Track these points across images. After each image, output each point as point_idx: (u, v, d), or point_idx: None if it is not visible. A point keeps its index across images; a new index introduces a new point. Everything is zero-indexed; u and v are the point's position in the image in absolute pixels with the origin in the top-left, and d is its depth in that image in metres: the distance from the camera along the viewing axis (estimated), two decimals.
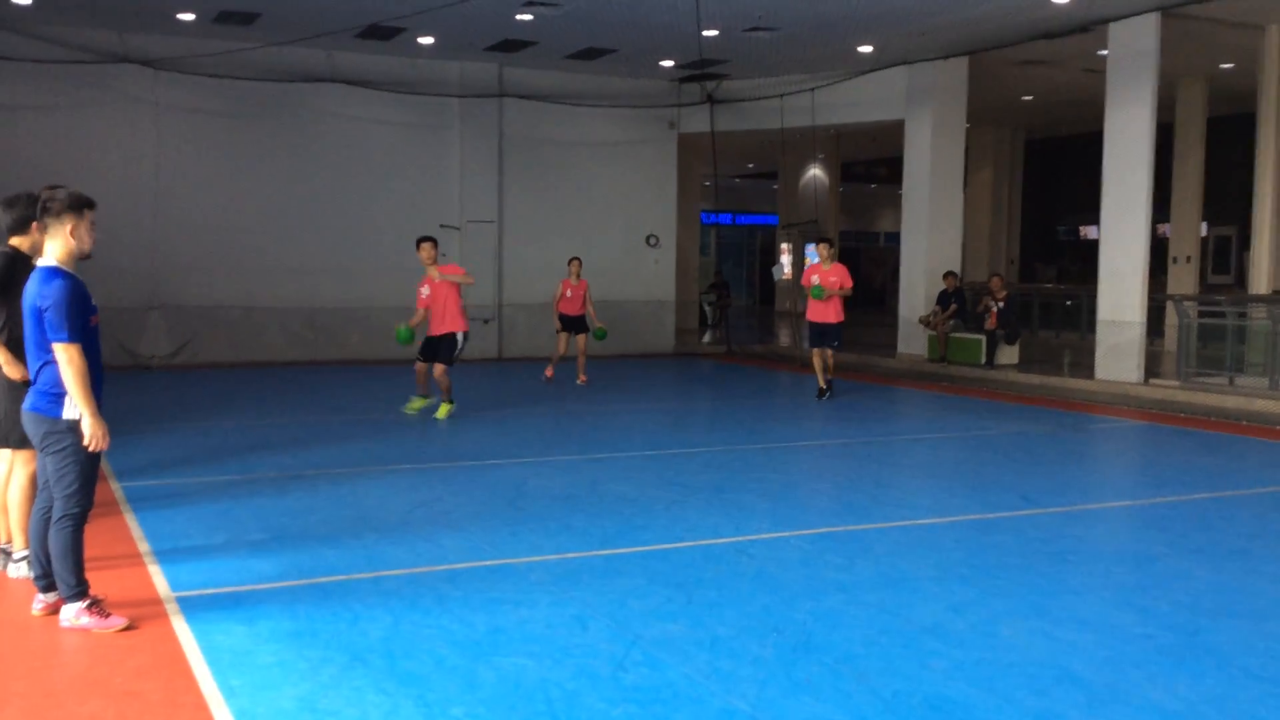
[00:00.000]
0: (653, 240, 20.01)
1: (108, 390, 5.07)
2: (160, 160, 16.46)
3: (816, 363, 13.27)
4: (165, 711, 3.92)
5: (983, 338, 16.82)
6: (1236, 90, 18.68)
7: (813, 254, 13.70)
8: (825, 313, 13.05)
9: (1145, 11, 14.17)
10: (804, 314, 13.67)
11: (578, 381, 14.43)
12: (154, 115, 16.37)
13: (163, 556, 5.94)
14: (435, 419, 11.22)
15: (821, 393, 13.22)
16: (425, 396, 11.58)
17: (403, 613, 5.02)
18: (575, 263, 14.62)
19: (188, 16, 14.89)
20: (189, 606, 5.09)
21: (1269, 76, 15.20)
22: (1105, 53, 15.11)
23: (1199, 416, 12.43)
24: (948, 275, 17.36)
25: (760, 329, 26.75)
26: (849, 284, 13.14)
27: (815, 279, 13.05)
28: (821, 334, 13.13)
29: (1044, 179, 28.65)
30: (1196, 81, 18.82)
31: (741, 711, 3.94)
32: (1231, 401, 13.17)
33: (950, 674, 4.32)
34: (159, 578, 5.55)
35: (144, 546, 6.15)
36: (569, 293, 14.54)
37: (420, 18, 14.80)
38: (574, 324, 14.62)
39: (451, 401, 11.39)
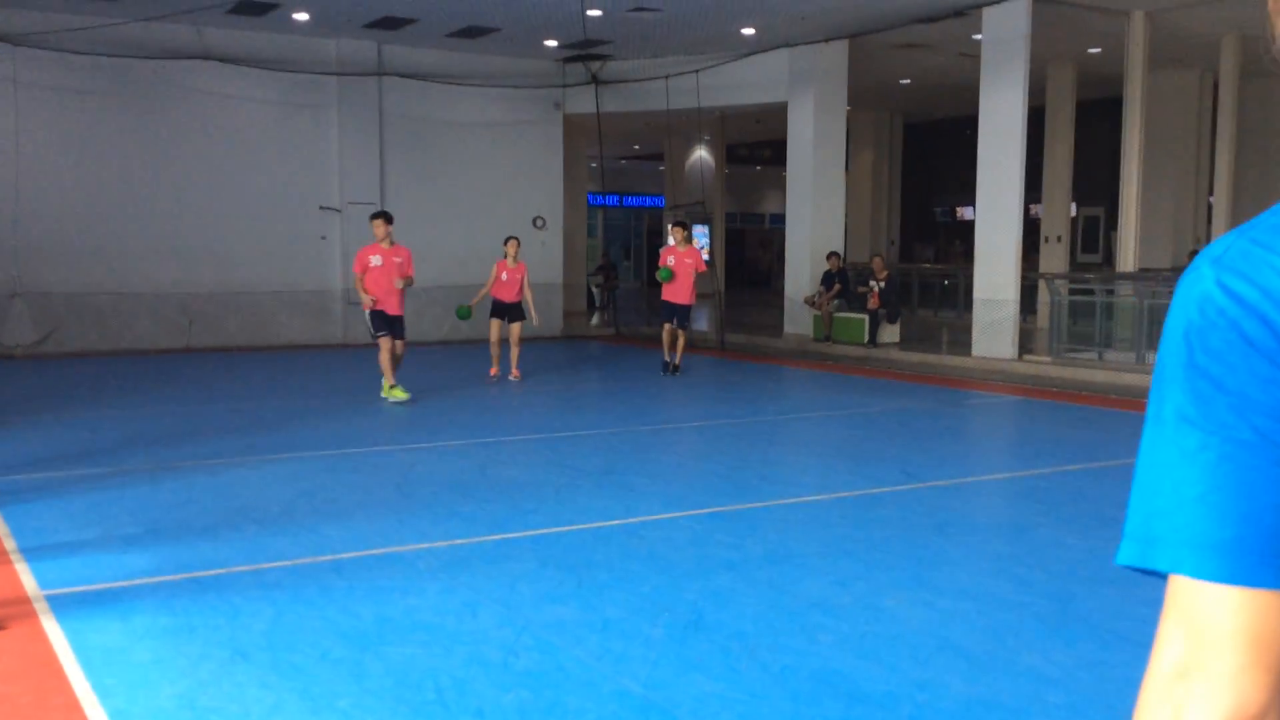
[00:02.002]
0: (539, 222, 19.89)
1: None
2: (20, 141, 15.73)
3: (666, 338, 13.59)
4: (35, 714, 3.76)
5: (865, 317, 17.16)
6: (1104, 74, 19.35)
7: (691, 239, 13.80)
8: (678, 294, 13.41)
9: None
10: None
11: (510, 377, 13.18)
12: (12, 94, 15.62)
13: (30, 553, 5.69)
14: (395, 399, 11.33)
15: (668, 367, 13.59)
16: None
17: (285, 605, 4.89)
18: (513, 243, 13.20)
19: None
20: (59, 605, 4.88)
21: (1134, 61, 15.77)
22: (979, 37, 15.50)
23: (1070, 391, 12.88)
24: (831, 256, 17.65)
25: (648, 311, 26.82)
26: (703, 267, 13.62)
27: (671, 260, 13.39)
28: (673, 312, 13.50)
29: (922, 161, 29.33)
30: (1066, 66, 19.43)
31: (634, 692, 3.94)
32: (1101, 376, 13.70)
33: (837, 647, 4.39)
34: (26, 576, 5.31)
35: (9, 544, 5.88)
36: (505, 276, 13.08)
37: None
38: (509, 311, 13.16)
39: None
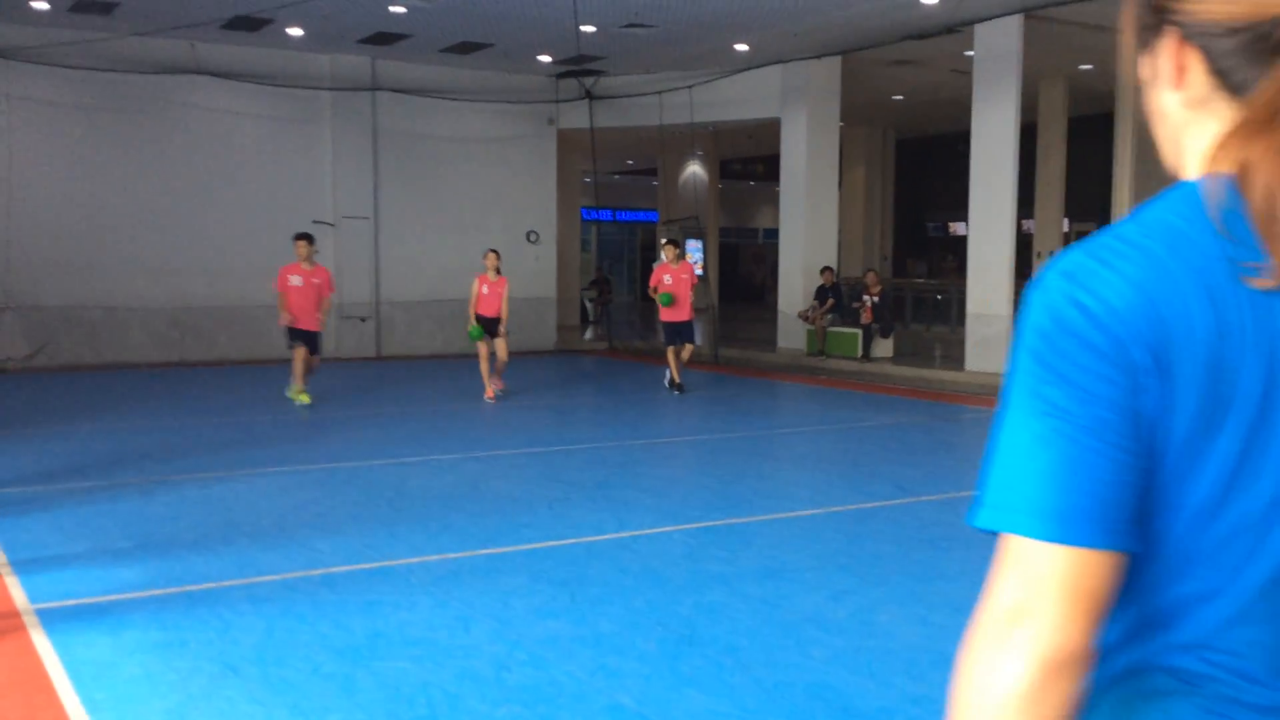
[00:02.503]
0: (533, 237, 19.90)
1: None
2: (13, 155, 15.71)
3: (672, 360, 13.55)
4: None
5: (859, 332, 17.17)
6: (1096, 91, 19.43)
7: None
8: (679, 312, 13.49)
9: (1009, 13, 14.63)
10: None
11: (496, 391, 12.78)
12: (5, 108, 15.61)
13: (20, 567, 5.65)
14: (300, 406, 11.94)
15: (674, 385, 13.51)
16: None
17: (276, 619, 4.87)
18: (491, 256, 12.76)
19: (42, 5, 14.24)
20: (49, 618, 4.85)
21: (1126, 78, 15.82)
22: (971, 53, 15.56)
23: None
24: (824, 271, 17.67)
25: (642, 325, 26.84)
26: (695, 280, 13.78)
27: (667, 279, 13.45)
28: (676, 332, 13.57)
29: (915, 177, 29.41)
30: (1058, 82, 19.51)
31: (627, 708, 3.92)
32: None
33: (831, 662, 4.37)
34: (16, 589, 5.28)
35: None
36: (485, 289, 12.60)
37: (289, 9, 14.42)
38: (490, 326, 12.62)
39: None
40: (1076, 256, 1.00)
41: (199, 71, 16.71)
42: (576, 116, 19.91)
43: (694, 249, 32.99)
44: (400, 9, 14.51)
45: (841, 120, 18.59)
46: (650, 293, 13.67)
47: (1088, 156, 22.16)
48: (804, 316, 17.79)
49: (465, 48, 17.06)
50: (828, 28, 15.53)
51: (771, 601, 5.17)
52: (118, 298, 16.47)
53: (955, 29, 15.35)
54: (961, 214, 17.50)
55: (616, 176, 37.06)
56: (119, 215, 16.45)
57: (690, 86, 18.72)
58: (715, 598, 5.23)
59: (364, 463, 8.80)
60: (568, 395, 14.20)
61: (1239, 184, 0.97)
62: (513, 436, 10.41)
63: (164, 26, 15.33)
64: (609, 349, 20.36)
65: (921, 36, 15.85)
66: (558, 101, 19.84)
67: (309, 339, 11.87)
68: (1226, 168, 0.99)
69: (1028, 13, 14.56)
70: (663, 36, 16.09)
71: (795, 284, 18.23)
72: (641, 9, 14.42)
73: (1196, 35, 1.03)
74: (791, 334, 18.34)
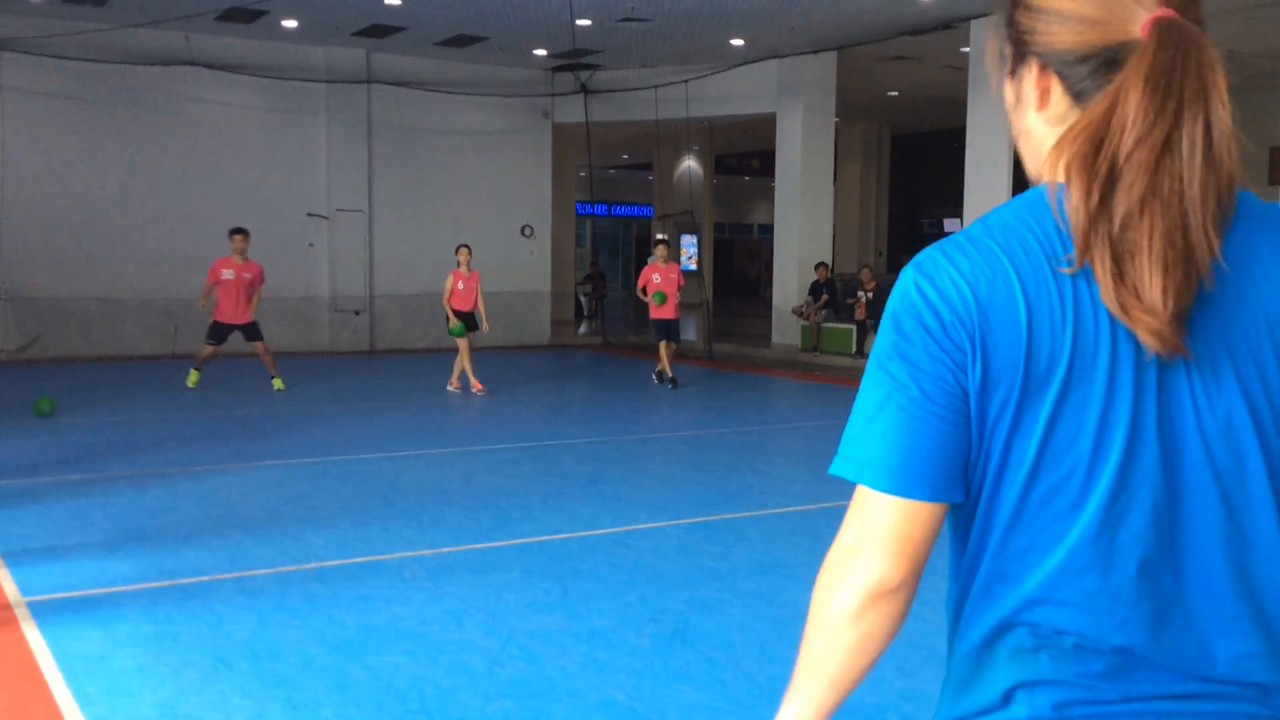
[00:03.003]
0: (528, 231, 19.88)
1: None
2: (6, 145, 15.66)
3: (664, 354, 13.81)
4: None
5: (853, 327, 17.17)
6: None
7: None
8: (666, 310, 13.68)
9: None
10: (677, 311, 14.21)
11: (449, 387, 13.02)
12: None
13: (11, 559, 5.64)
14: (276, 389, 12.49)
15: (663, 377, 13.82)
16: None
17: (269, 613, 4.86)
18: (464, 251, 12.83)
19: None
20: (40, 611, 4.84)
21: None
22: (967, 50, 15.56)
23: None
24: (819, 266, 17.67)
25: (636, 320, 26.82)
26: (681, 280, 13.96)
27: (656, 278, 13.62)
28: (666, 329, 13.79)
29: (910, 173, 29.41)
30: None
31: (619, 703, 3.92)
32: None
33: None
34: (7, 581, 5.27)
35: None
36: (461, 284, 12.70)
37: (283, 1, 14.38)
38: (470, 319, 12.73)
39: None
40: (930, 251, 1.17)
41: (193, 63, 16.65)
42: (572, 110, 19.88)
43: (689, 244, 32.92)
44: (395, 2, 14.47)
45: (837, 116, 18.58)
46: (639, 293, 13.84)
47: None
48: (798, 312, 17.79)
49: (460, 41, 17.02)
50: (823, 23, 15.52)
51: (765, 597, 5.18)
52: (111, 289, 16.43)
53: (951, 25, 15.34)
54: (956, 210, 17.50)
55: (612, 171, 37.03)
56: (112, 207, 16.40)
57: (686, 81, 18.70)
58: (708, 593, 5.23)
59: (356, 456, 8.79)
60: (561, 390, 14.19)
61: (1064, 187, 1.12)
62: (506, 431, 10.40)
63: (158, 18, 15.28)
64: (603, 344, 20.35)
65: (917, 33, 15.85)
66: (553, 95, 19.81)
67: (245, 330, 12.38)
68: (1055, 175, 1.13)
69: None
70: (658, 31, 16.07)
71: (790, 279, 18.23)
72: (637, 3, 14.39)
73: (1054, 63, 1.18)
74: (786, 330, 18.35)
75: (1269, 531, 1.13)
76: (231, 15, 15.30)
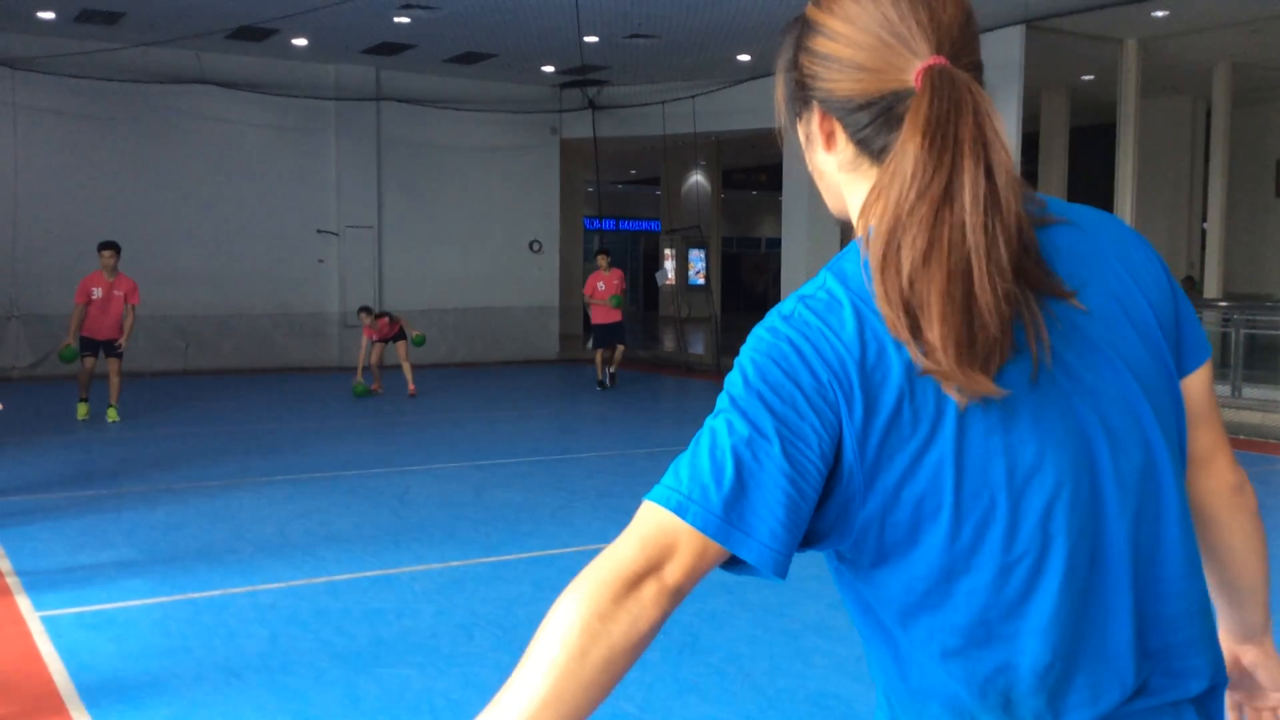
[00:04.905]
0: (536, 246, 19.94)
1: None
2: (19, 164, 15.77)
3: (600, 361, 14.80)
4: None
5: None
6: (1097, 101, 19.45)
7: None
8: (610, 315, 14.70)
9: (1011, 24, 14.67)
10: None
11: (392, 391, 13.78)
12: (12, 117, 15.68)
13: (25, 575, 5.68)
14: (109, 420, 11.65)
15: (603, 385, 14.70)
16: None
17: (280, 627, 4.89)
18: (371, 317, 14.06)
19: (48, 15, 14.30)
20: (54, 626, 4.88)
21: (1127, 88, 15.88)
22: None
23: None
24: None
25: (644, 334, 26.87)
26: (623, 287, 15.02)
27: (601, 285, 14.65)
28: (607, 333, 14.80)
29: None
30: (1060, 93, 19.55)
31: (629, 714, 3.94)
32: None
33: (833, 670, 4.39)
34: (21, 597, 5.31)
35: (4, 565, 5.88)
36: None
37: (293, 19, 14.49)
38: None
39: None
40: (794, 305, 1.14)
41: (204, 81, 16.77)
42: (580, 126, 19.96)
43: (696, 259, 32.97)
44: (404, 19, 14.57)
45: None
46: (586, 302, 14.92)
47: (1090, 167, 22.20)
48: None
49: (469, 58, 17.12)
50: None
51: (774, 609, 5.19)
52: None
53: None
54: None
55: (619, 186, 37.12)
56: (124, 224, 16.46)
57: (693, 96, 18.76)
58: (717, 605, 5.25)
59: (367, 471, 8.82)
60: (570, 404, 14.22)
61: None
62: (515, 445, 10.43)
63: (169, 37, 15.40)
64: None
65: None
66: (561, 111, 19.89)
67: (106, 346, 11.49)
68: (864, 229, 1.14)
69: (1029, 23, 14.60)
70: (666, 47, 16.14)
71: None
72: (644, 20, 14.47)
73: (835, 110, 1.18)
74: None
75: (1174, 553, 1.16)
76: (242, 34, 15.41)
